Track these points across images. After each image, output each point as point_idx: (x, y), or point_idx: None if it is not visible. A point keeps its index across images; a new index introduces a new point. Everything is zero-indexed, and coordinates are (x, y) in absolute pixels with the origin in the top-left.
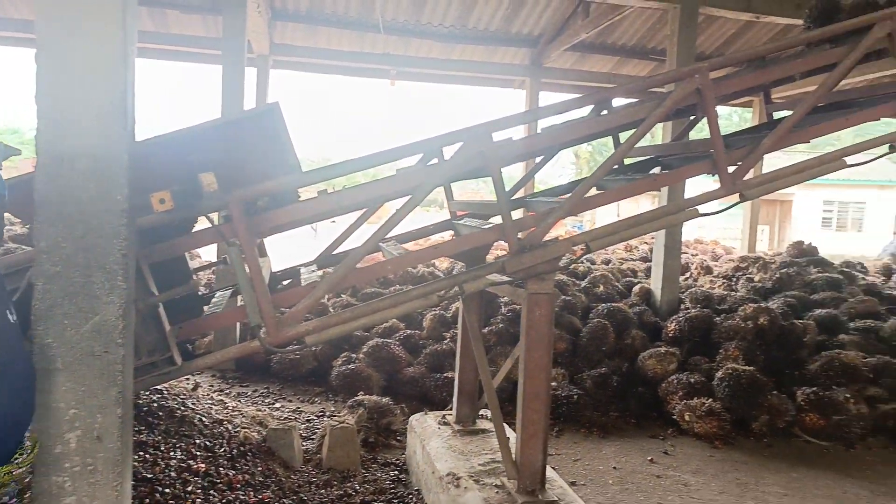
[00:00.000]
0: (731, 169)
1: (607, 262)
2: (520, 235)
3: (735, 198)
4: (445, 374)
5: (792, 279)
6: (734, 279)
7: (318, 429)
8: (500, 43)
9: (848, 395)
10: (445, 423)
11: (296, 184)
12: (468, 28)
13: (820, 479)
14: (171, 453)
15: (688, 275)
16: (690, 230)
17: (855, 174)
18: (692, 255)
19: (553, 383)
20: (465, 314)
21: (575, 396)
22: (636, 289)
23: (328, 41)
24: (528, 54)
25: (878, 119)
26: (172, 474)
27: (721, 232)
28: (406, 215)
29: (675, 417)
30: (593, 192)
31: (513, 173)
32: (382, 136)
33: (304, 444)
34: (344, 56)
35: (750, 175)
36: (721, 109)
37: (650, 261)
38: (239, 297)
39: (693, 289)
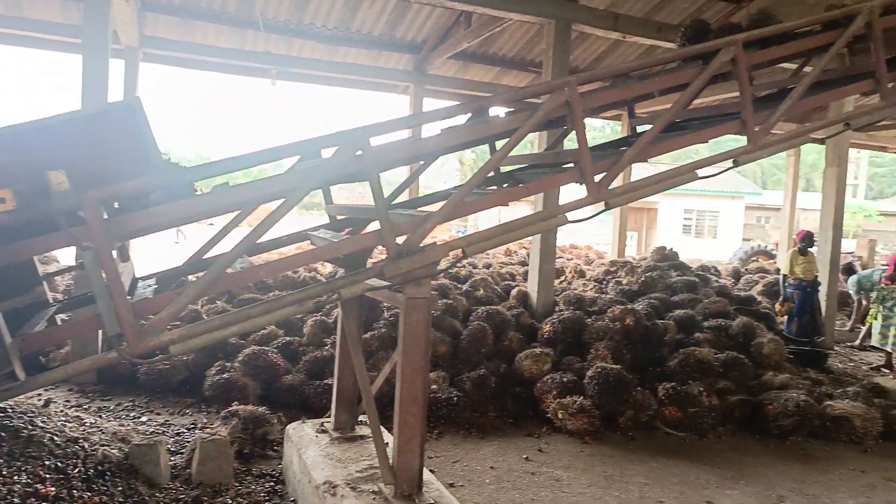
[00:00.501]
0: (597, 178)
1: (488, 266)
2: (398, 240)
3: (602, 205)
4: (326, 381)
5: (655, 282)
6: (604, 282)
7: (189, 442)
8: (383, 48)
9: (701, 389)
10: (324, 431)
11: (159, 183)
12: (352, 31)
13: (677, 468)
14: (15, 477)
15: (563, 278)
16: (567, 235)
17: (710, 185)
18: (567, 260)
19: (434, 386)
20: (344, 320)
21: (455, 398)
22: (514, 292)
23: (205, 37)
24: (411, 60)
25: (725, 135)
26: (16, 501)
27: (596, 237)
28: (280, 218)
29: (549, 416)
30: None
31: (397, 178)
32: (267, 138)
33: (172, 459)
34: (223, 53)
35: (615, 184)
36: (595, 122)
37: (528, 265)
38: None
39: (567, 292)
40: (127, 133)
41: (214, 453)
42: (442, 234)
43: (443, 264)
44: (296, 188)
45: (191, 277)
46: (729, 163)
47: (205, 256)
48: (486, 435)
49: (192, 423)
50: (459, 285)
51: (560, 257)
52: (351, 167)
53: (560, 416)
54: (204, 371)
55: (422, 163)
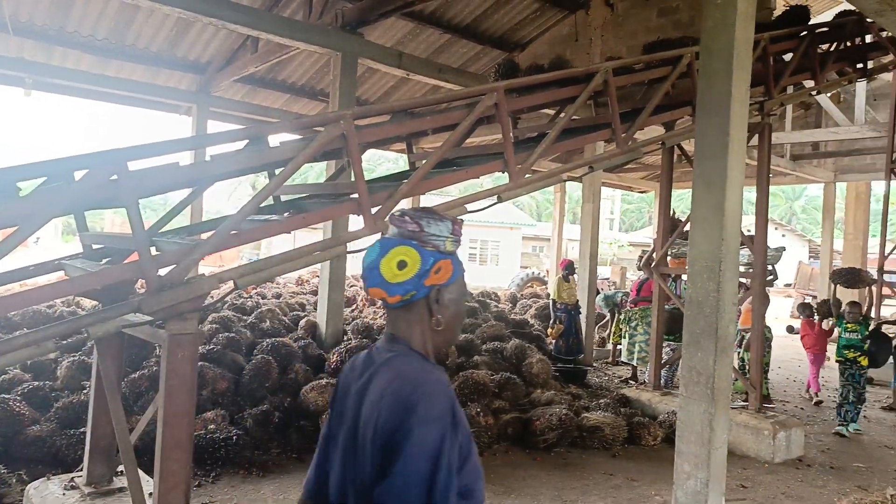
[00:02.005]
0: (374, 210)
1: (278, 296)
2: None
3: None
4: (83, 430)
5: None
6: None
7: None
8: (164, 65)
9: (478, 410)
10: (74, 488)
11: None
12: (126, 45)
13: None
14: None
15: (354, 307)
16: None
17: (492, 217)
18: (360, 288)
19: (211, 426)
20: (100, 360)
21: (234, 437)
22: (303, 322)
23: None
24: (195, 80)
25: (490, 174)
26: None
27: None
28: (13, 248)
29: None
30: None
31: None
32: (20, 153)
33: None
34: None
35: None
36: (389, 154)
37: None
38: None
39: (357, 320)
40: None
41: None
42: (233, 262)
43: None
44: (32, 215)
45: None
46: (493, 199)
47: None
48: (267, 473)
49: None
50: (244, 317)
51: (353, 286)
52: (104, 192)
53: None
54: None
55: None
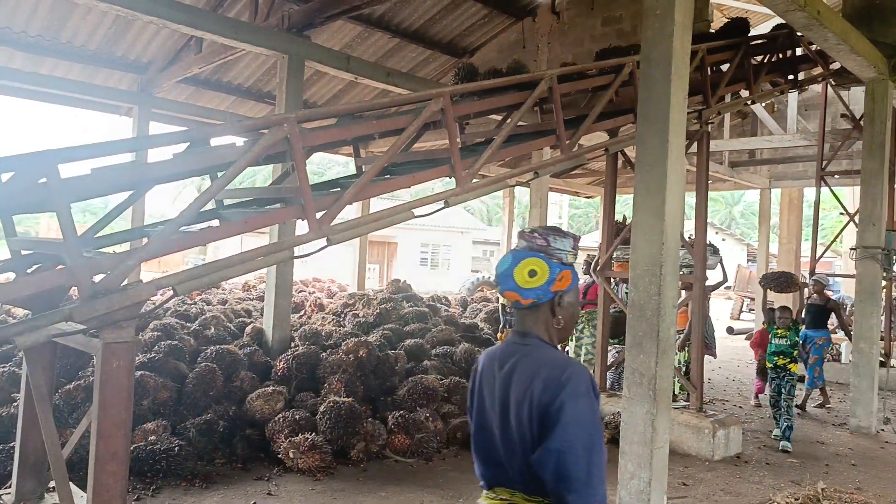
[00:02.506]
0: (319, 214)
1: (224, 302)
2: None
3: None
4: (12, 444)
5: (389, 313)
6: (342, 315)
7: None
8: (102, 64)
9: (427, 415)
10: None
11: None
12: (62, 42)
13: (405, 494)
14: None
15: (302, 312)
16: (314, 269)
17: (442, 221)
18: (309, 293)
19: (152, 437)
20: (29, 370)
21: (176, 448)
22: (249, 329)
23: None
24: (135, 81)
25: (437, 178)
26: None
27: (343, 269)
28: None
29: (280, 456)
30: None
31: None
32: None
33: None
34: None
35: (338, 220)
36: (339, 158)
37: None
38: None
39: (305, 326)
40: None
41: None
42: (178, 268)
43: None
44: None
45: None
46: (440, 204)
47: None
48: (211, 484)
49: None
50: (188, 324)
51: (302, 291)
52: (32, 196)
53: (291, 455)
54: None
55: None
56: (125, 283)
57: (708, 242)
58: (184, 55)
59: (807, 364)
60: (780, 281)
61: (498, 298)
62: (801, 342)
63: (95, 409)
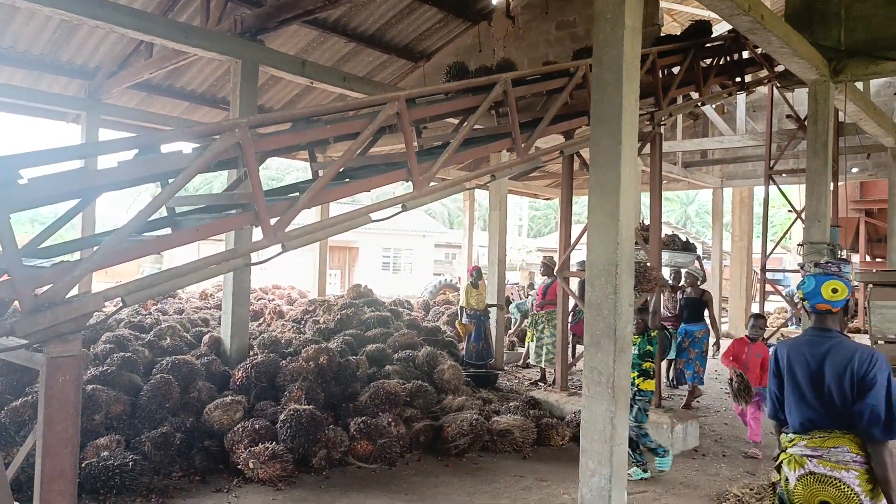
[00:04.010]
0: (273, 220)
1: (181, 311)
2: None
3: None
4: None
5: (350, 319)
6: (303, 322)
7: None
8: (47, 70)
9: (390, 420)
10: None
11: None
12: (3, 47)
13: (368, 500)
14: None
15: (262, 320)
16: (274, 275)
17: (404, 225)
18: (269, 301)
19: (105, 453)
20: None
21: (131, 463)
22: (206, 338)
23: None
24: (83, 86)
25: (394, 182)
26: None
27: (303, 276)
28: None
29: (240, 467)
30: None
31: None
32: None
33: None
34: None
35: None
36: (299, 163)
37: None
38: None
39: (264, 334)
40: None
41: None
42: (132, 278)
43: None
44: None
45: None
46: (398, 208)
47: None
48: (168, 499)
49: None
50: (142, 335)
51: (261, 298)
52: None
53: (251, 465)
54: None
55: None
56: (71, 294)
57: (685, 240)
58: (133, 60)
59: (688, 361)
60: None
61: (458, 301)
62: (680, 338)
63: (41, 427)
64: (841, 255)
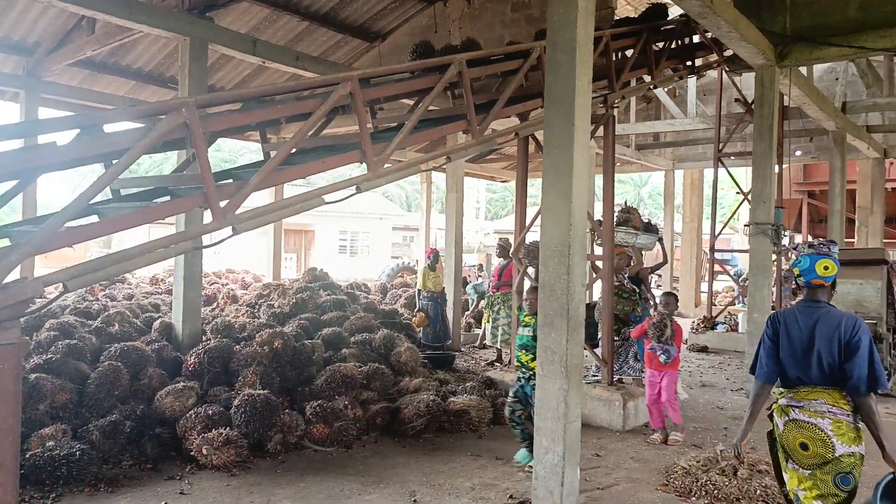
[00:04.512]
0: (223, 203)
1: (130, 297)
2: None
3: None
4: None
5: (306, 303)
6: (257, 306)
7: None
8: None
9: (346, 403)
10: None
11: None
12: None
13: (324, 483)
14: None
15: (215, 305)
16: (228, 259)
17: (361, 207)
18: (223, 285)
19: (50, 443)
20: None
21: (78, 452)
22: (156, 324)
23: None
24: (21, 63)
25: (348, 164)
26: None
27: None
28: None
29: (193, 454)
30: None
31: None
32: None
33: None
34: None
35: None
36: (252, 144)
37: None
38: None
39: (217, 319)
40: None
41: None
42: (82, 261)
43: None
44: None
45: None
46: (352, 189)
47: None
48: (118, 488)
49: None
50: (90, 322)
51: (215, 283)
52: None
53: (205, 451)
54: None
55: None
56: (8, 280)
57: (647, 220)
58: (75, 36)
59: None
60: (502, 250)
61: (415, 284)
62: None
63: None
64: (784, 236)
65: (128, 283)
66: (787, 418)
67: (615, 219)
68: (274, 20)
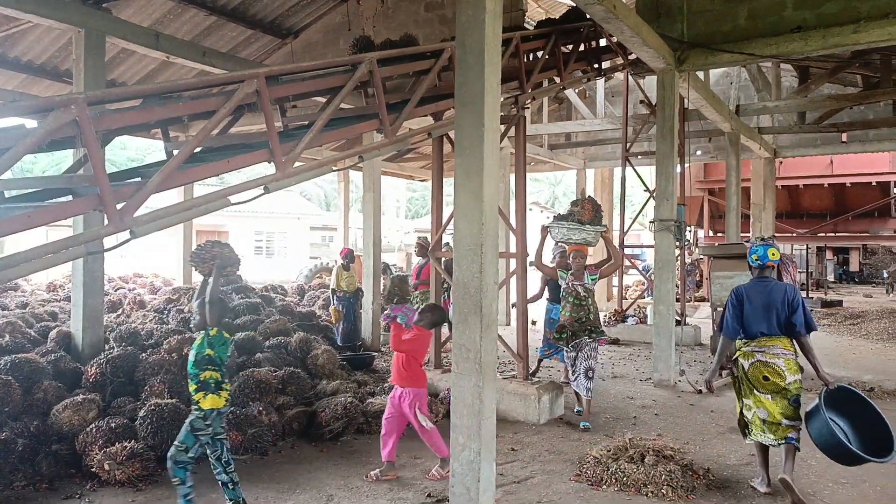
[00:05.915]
0: (120, 205)
1: (24, 305)
2: None
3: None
4: None
5: None
6: (166, 312)
7: None
8: None
9: (261, 409)
10: None
11: None
12: None
13: None
14: None
15: (120, 311)
16: (135, 263)
17: (276, 207)
18: (130, 290)
19: None
20: None
21: None
22: (53, 334)
23: None
24: None
25: (255, 164)
26: None
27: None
28: None
29: (95, 470)
30: None
31: None
32: None
33: None
34: None
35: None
36: (160, 143)
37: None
38: None
39: (122, 326)
40: None
41: None
42: None
43: None
44: None
45: None
46: (260, 189)
47: None
48: None
49: None
50: None
51: (121, 288)
52: None
53: (107, 467)
54: None
55: None
56: None
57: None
58: None
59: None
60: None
61: (329, 284)
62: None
63: None
64: (687, 231)
65: (21, 290)
66: (753, 360)
67: (566, 213)
68: (179, 13)
